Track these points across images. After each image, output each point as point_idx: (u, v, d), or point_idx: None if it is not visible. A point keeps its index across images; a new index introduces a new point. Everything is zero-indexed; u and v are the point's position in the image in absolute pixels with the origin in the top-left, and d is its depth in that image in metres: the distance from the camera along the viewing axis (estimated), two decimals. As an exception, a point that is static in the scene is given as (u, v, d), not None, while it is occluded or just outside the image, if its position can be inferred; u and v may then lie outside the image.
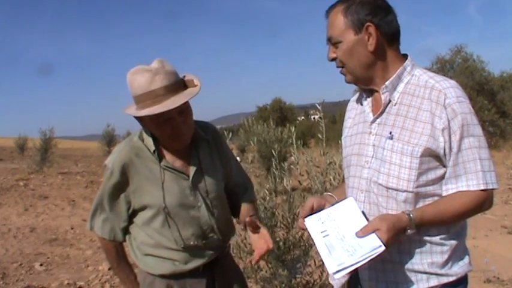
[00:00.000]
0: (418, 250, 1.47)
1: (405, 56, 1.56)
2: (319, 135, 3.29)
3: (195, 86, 1.69)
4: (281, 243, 3.17)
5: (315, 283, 3.30)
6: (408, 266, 1.48)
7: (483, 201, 1.44)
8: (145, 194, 1.74)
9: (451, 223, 1.47)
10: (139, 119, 1.72)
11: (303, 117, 59.69)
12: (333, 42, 1.52)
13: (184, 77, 1.72)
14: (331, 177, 3.20)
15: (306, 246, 3.22)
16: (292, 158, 3.56)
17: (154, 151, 1.74)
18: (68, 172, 14.06)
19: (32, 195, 9.66)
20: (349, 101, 1.79)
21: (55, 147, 15.24)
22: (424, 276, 1.47)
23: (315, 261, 3.29)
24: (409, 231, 1.40)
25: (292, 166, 3.46)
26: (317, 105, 3.22)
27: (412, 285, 1.48)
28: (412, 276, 1.48)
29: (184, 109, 1.68)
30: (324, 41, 1.57)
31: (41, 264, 5.26)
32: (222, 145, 1.94)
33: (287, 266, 3.19)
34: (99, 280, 4.75)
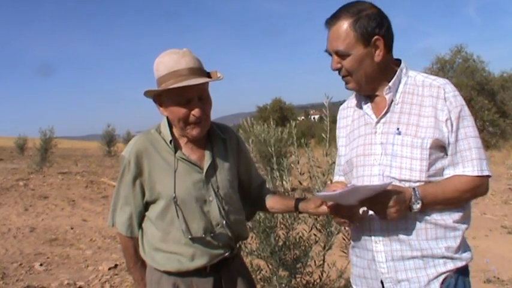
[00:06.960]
0: (434, 235, 1.53)
1: (398, 59, 1.65)
2: (323, 135, 3.25)
3: (218, 77, 1.77)
4: (281, 243, 3.17)
5: (315, 283, 3.30)
6: (427, 251, 1.53)
7: (478, 186, 1.55)
8: (158, 184, 1.77)
9: (451, 203, 1.54)
10: (159, 101, 1.77)
11: (303, 117, 59.62)
12: (340, 54, 1.56)
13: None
14: (332, 178, 3.18)
15: (306, 246, 3.21)
16: (293, 157, 3.54)
17: (170, 141, 1.78)
18: (68, 172, 14.05)
19: (32, 195, 9.66)
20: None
21: (55, 147, 15.27)
22: (441, 260, 1.54)
23: (315, 261, 3.29)
24: (414, 205, 1.47)
25: (292, 165, 3.44)
26: (324, 103, 3.18)
27: (430, 270, 1.53)
28: (430, 262, 1.54)
29: (204, 97, 1.76)
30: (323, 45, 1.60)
31: (41, 264, 5.26)
32: (241, 147, 1.98)
33: (287, 266, 3.18)
34: (99, 280, 4.75)
